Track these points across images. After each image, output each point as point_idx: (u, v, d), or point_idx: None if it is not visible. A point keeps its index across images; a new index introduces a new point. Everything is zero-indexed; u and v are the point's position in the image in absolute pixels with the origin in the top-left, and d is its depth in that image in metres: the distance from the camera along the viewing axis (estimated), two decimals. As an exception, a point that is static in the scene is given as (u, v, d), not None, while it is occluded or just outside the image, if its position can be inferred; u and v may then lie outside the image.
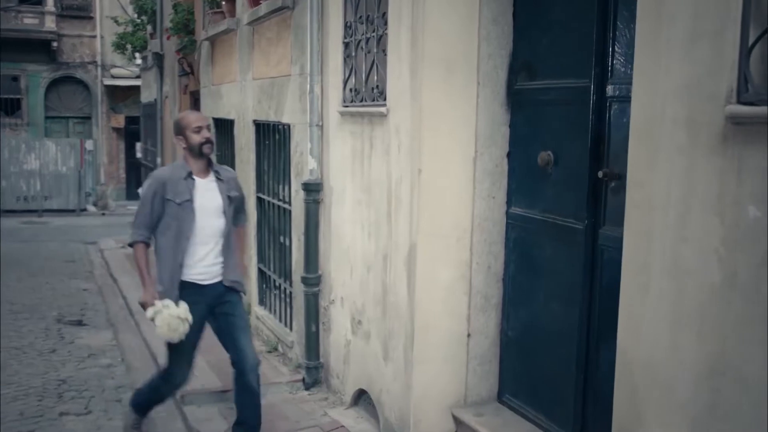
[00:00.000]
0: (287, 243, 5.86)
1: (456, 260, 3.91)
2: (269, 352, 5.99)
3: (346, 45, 4.67)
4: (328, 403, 4.91)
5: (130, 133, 20.45)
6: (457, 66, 3.78)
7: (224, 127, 7.40)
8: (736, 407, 2.16)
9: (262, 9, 5.85)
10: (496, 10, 3.81)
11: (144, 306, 3.83)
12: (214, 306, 3.95)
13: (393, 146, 4.08)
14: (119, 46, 10.98)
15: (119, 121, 21.03)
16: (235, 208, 4.01)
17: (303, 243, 5.15)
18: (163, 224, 3.83)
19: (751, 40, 2.09)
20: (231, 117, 7.06)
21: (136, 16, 11.31)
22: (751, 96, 2.09)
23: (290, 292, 5.82)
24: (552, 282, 3.64)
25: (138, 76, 13.98)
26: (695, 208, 2.26)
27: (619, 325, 2.60)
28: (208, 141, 3.90)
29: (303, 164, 5.30)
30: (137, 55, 11.57)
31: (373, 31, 4.31)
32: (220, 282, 3.95)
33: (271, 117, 5.94)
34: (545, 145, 3.63)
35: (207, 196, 3.88)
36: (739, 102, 2.11)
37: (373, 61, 4.33)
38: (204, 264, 3.89)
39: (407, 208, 3.95)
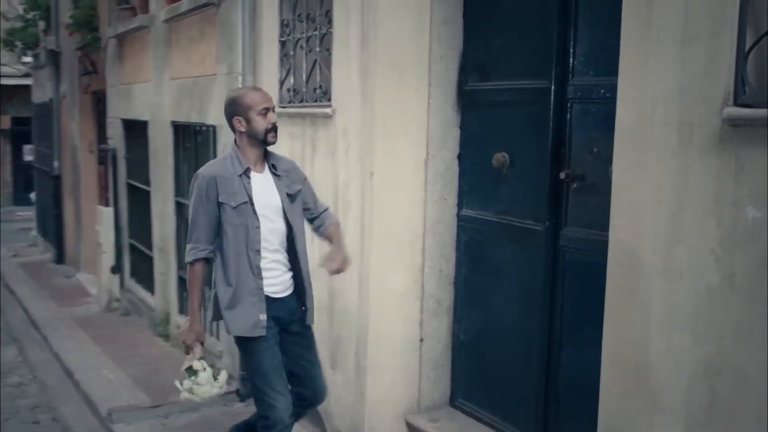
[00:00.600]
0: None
1: (409, 264, 3.84)
2: (194, 363, 5.74)
3: (283, 44, 4.52)
4: (266, 415, 4.74)
5: (17, 135, 19.19)
6: (410, 67, 3.72)
7: (137, 129, 7.05)
8: (736, 406, 2.18)
9: (184, 5, 5.60)
10: (448, 11, 3.76)
11: (186, 347, 3.14)
12: (287, 323, 3.25)
13: (340, 148, 3.97)
14: (8, 43, 10.29)
15: (5, 122, 19.75)
16: (304, 203, 3.32)
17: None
18: (222, 235, 3.12)
19: (747, 44, 2.12)
20: (144, 118, 6.73)
21: (23, 10, 10.65)
22: (749, 98, 2.12)
23: (217, 300, 5.59)
24: (509, 284, 3.62)
25: (26, 75, 13.17)
26: (689, 209, 2.28)
27: (605, 327, 2.59)
28: (275, 127, 3.15)
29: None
30: (28, 52, 10.90)
31: (315, 30, 4.19)
32: (293, 294, 3.26)
33: (194, 118, 5.69)
34: (500, 146, 3.61)
35: (265, 195, 3.15)
36: (736, 104, 2.14)
37: (316, 61, 4.20)
38: (272, 275, 3.17)
39: (357, 211, 3.85)
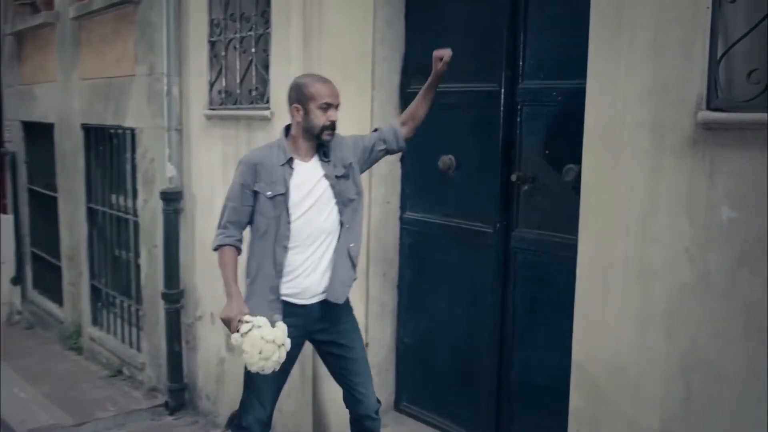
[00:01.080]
0: (132, 257, 5.39)
1: (355, 268, 3.79)
2: (112, 376, 5.49)
3: (213, 44, 4.37)
4: (199, 427, 4.58)
5: None
6: (353, 69, 3.67)
7: (40, 132, 6.65)
8: (712, 400, 2.26)
9: (96, 2, 5.33)
10: (390, 13, 3.74)
11: (228, 323, 2.85)
12: (315, 332, 3.03)
13: (280, 152, 3.87)
14: None
15: None
16: (371, 151, 3.10)
17: (162, 256, 4.75)
18: (253, 226, 2.96)
19: (719, 51, 2.20)
20: (49, 120, 6.36)
21: None
22: (721, 103, 2.20)
23: (137, 310, 5.37)
24: (456, 285, 3.63)
25: None
26: (662, 210, 2.34)
27: (576, 327, 2.63)
28: (332, 126, 2.92)
29: (154, 171, 4.91)
30: None
31: (251, 30, 4.07)
32: (325, 301, 3.00)
33: (108, 120, 5.43)
34: (446, 149, 3.62)
35: (307, 186, 2.93)
36: (709, 108, 2.21)
37: (251, 62, 4.08)
38: (299, 275, 2.94)
39: (301, 216, 3.76)
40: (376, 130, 3.19)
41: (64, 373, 5.56)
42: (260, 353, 2.74)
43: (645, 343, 2.42)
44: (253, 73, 4.08)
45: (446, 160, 3.61)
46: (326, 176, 2.97)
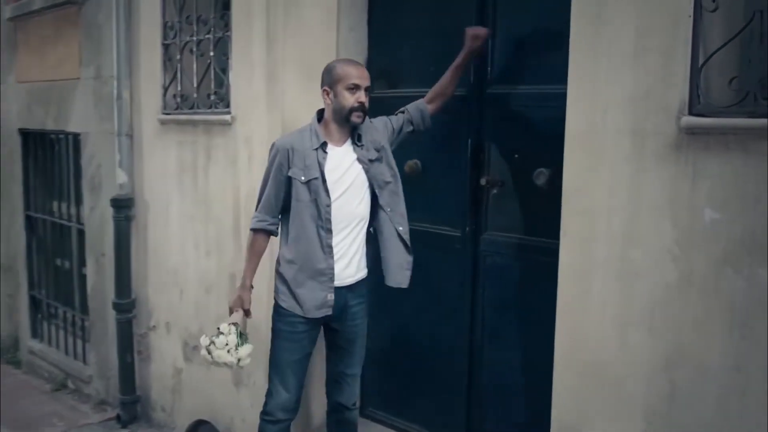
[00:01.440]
0: (76, 266, 5.22)
1: (320, 274, 3.76)
2: (56, 390, 5.29)
3: (167, 47, 4.28)
4: (155, 439, 4.47)
5: None
6: (318, 74, 3.62)
7: (-30, 137, 6.36)
8: (696, 396, 2.34)
9: (36, 3, 5.14)
10: (353, 19, 3.73)
11: (230, 311, 3.11)
12: (333, 319, 3.07)
13: (242, 157, 3.82)
14: None
15: None
16: (399, 131, 3.18)
17: (113, 265, 4.60)
18: (290, 211, 2.98)
19: (701, 58, 2.28)
20: (-19, 125, 6.09)
21: None
22: (703, 108, 2.28)
23: (82, 321, 5.19)
24: (423, 290, 3.63)
25: None
26: (644, 212, 2.41)
27: (558, 328, 2.68)
28: (361, 107, 2.94)
29: (101, 178, 4.77)
30: None
31: (209, 33, 4.00)
32: (348, 286, 3.06)
33: (49, 125, 5.25)
34: (411, 153, 3.63)
35: (340, 170, 2.97)
36: (691, 114, 2.29)
37: (209, 66, 4.01)
38: (343, 260, 3.01)
39: (265, 222, 3.71)
40: (403, 111, 3.22)
41: (2, 388, 5.32)
42: (207, 351, 2.99)
43: (628, 342, 2.48)
44: (212, 77, 4.01)
45: (412, 164, 3.62)
46: (359, 160, 3.01)
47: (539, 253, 3.13)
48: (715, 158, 2.25)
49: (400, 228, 3.10)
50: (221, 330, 2.97)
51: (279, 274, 3.07)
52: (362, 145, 3.03)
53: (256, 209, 3.08)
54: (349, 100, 2.94)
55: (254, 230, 3.07)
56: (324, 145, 2.97)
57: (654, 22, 2.35)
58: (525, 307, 3.25)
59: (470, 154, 3.38)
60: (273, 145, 3.04)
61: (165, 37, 4.27)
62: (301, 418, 3.48)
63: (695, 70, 2.29)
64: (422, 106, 3.21)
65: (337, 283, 3.01)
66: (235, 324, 3.00)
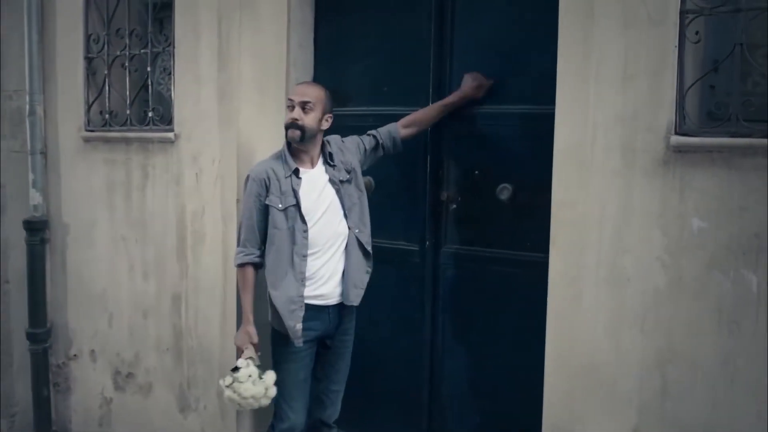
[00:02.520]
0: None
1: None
2: (-54, 432, 4.83)
3: (90, 61, 4.07)
4: (76, 476, 4.22)
5: None
6: (271, 90, 3.62)
7: None
8: (687, 389, 2.57)
9: None
10: (302, 35, 3.73)
11: (238, 350, 3.00)
12: (326, 336, 3.11)
13: (187, 175, 3.72)
14: None
15: None
16: (367, 153, 3.21)
17: (26, 292, 4.29)
18: (269, 238, 2.95)
19: (687, 82, 2.54)
20: None
21: None
22: (688, 128, 2.53)
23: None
24: (379, 304, 3.69)
25: None
26: (634, 223, 2.63)
27: (549, 334, 2.84)
28: (293, 123, 2.94)
29: (6, 199, 4.45)
30: None
31: (145, 48, 3.86)
32: (342, 303, 3.09)
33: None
34: (365, 171, 3.69)
35: (315, 193, 2.99)
36: (677, 133, 2.54)
37: (146, 81, 3.87)
38: (320, 280, 3.01)
39: (216, 243, 3.63)
40: (374, 134, 3.26)
41: None
42: (232, 389, 2.88)
43: (620, 343, 2.69)
44: (150, 94, 3.87)
45: (366, 182, 3.67)
46: (331, 181, 3.06)
47: (502, 264, 3.30)
48: (702, 173, 2.51)
49: (369, 248, 3.19)
50: (239, 365, 2.89)
51: (270, 300, 3.04)
52: (334, 165, 3.07)
53: (239, 243, 3.04)
54: (286, 117, 3.00)
55: (241, 265, 3.01)
56: (297, 171, 2.99)
57: (641, 51, 2.58)
58: (486, 317, 3.40)
59: (429, 171, 3.50)
60: (247, 177, 3.02)
61: (88, 50, 4.07)
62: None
63: (681, 95, 2.54)
64: (395, 132, 3.26)
65: (332, 301, 3.04)
66: (250, 358, 2.93)
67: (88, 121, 4.10)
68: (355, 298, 3.13)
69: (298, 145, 2.99)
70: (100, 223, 4.09)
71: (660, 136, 2.56)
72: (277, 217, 2.94)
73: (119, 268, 4.03)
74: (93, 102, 4.09)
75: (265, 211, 2.96)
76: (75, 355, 4.28)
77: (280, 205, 2.94)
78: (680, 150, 2.53)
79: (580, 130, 2.72)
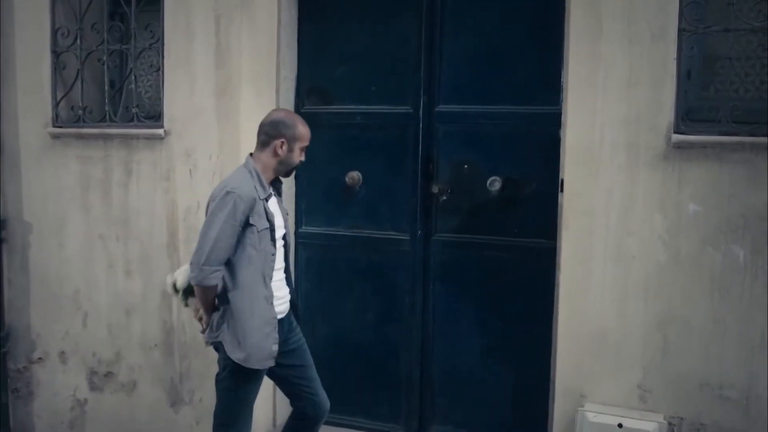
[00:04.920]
0: None
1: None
2: None
3: (58, 55, 3.97)
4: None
5: None
6: (264, 87, 3.76)
7: None
8: (685, 346, 3.07)
9: None
10: (289, 35, 3.88)
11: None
12: (282, 343, 3.02)
13: (179, 171, 3.77)
14: None
15: None
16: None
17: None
18: (243, 258, 2.87)
19: (684, 89, 3.03)
20: None
21: None
22: (685, 128, 3.02)
23: None
24: (367, 291, 3.94)
25: None
26: (638, 209, 3.09)
27: (561, 308, 3.24)
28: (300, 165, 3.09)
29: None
30: None
31: (126, 44, 3.84)
32: (288, 314, 3.13)
33: None
34: (352, 165, 3.92)
35: (278, 218, 3.02)
36: (676, 132, 3.02)
37: (129, 76, 3.86)
38: (280, 297, 3.03)
39: (213, 236, 3.71)
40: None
41: None
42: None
43: (625, 312, 3.14)
44: (134, 89, 3.86)
45: (354, 176, 3.91)
46: (281, 210, 3.10)
47: (491, 250, 3.68)
48: (697, 166, 3.01)
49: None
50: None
51: (227, 322, 2.94)
52: (280, 197, 3.14)
53: (203, 262, 2.83)
54: (298, 158, 3.04)
55: (210, 285, 2.88)
56: (269, 196, 3.01)
57: (644, 62, 3.04)
58: (473, 298, 3.76)
59: (421, 165, 3.80)
60: (230, 193, 2.86)
61: (55, 44, 3.97)
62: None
63: (680, 100, 3.03)
64: None
65: (282, 316, 3.06)
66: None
67: (56, 117, 4.00)
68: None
69: (282, 177, 3.09)
70: (71, 221, 4.00)
71: (661, 135, 3.04)
72: (255, 239, 2.90)
73: (96, 266, 3.97)
74: (62, 98, 3.99)
75: (240, 231, 2.88)
76: (40, 359, 4.15)
77: (259, 227, 2.91)
78: (679, 146, 3.02)
79: (589, 130, 3.14)
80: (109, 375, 4.00)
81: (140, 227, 3.87)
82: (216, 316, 2.95)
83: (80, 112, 3.97)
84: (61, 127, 3.99)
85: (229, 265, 2.88)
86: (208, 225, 2.85)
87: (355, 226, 3.95)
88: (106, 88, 3.91)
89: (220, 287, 2.91)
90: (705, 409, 3.06)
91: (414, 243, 3.84)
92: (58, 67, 3.98)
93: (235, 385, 2.98)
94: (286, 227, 3.10)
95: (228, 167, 3.65)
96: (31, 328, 4.15)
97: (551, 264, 3.36)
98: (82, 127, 3.95)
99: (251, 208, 2.87)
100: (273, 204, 3.02)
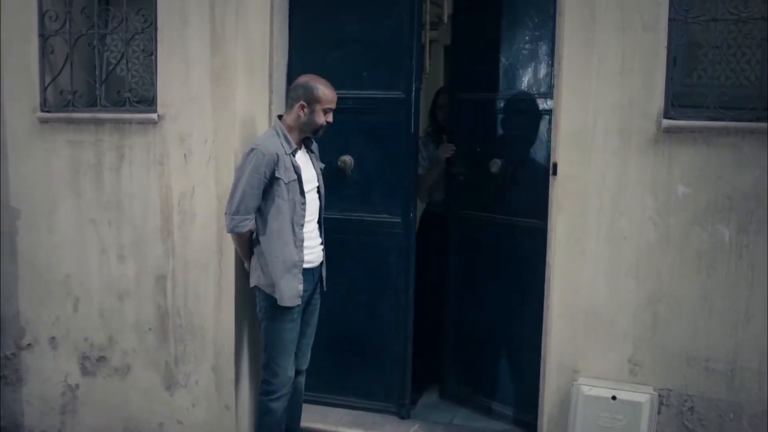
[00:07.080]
0: None
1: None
2: None
3: (46, 39, 3.94)
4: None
5: None
6: (258, 73, 3.80)
7: None
8: (673, 322, 3.22)
9: None
10: (281, 21, 3.92)
11: None
12: (311, 294, 3.50)
13: (174, 156, 3.78)
14: None
15: None
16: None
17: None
18: (272, 208, 3.27)
19: (674, 76, 3.16)
20: None
21: None
22: (675, 114, 3.16)
23: None
24: (359, 271, 4.04)
25: None
26: (630, 191, 3.22)
27: (555, 285, 3.35)
28: (327, 126, 3.38)
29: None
30: None
31: (116, 27, 3.83)
32: (322, 263, 3.54)
33: None
34: (343, 149, 3.99)
35: (307, 172, 3.38)
36: (666, 117, 3.16)
37: (121, 60, 3.85)
38: (311, 246, 3.41)
39: (211, 220, 3.72)
40: None
41: None
42: None
43: (617, 289, 3.28)
44: (126, 74, 3.85)
45: (346, 159, 3.99)
46: (313, 164, 3.49)
47: (490, 225, 3.87)
48: (686, 150, 3.16)
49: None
50: None
51: (261, 266, 3.35)
52: (313, 154, 3.52)
53: (234, 211, 3.26)
54: (322, 119, 3.36)
55: (243, 232, 3.32)
56: (295, 151, 3.35)
57: (636, 51, 3.17)
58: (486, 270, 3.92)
59: (413, 149, 3.89)
60: (254, 149, 3.26)
61: (43, 28, 3.93)
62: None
63: (669, 87, 3.16)
64: None
65: (316, 264, 3.47)
66: None
67: (44, 102, 3.97)
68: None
69: (311, 136, 3.44)
70: (62, 206, 3.98)
71: (652, 120, 3.17)
72: (282, 190, 3.27)
73: (87, 252, 3.96)
74: (50, 82, 3.96)
75: (266, 183, 3.25)
76: (29, 345, 4.13)
77: (286, 179, 3.27)
78: (669, 131, 3.16)
79: (582, 116, 3.26)
80: (101, 360, 4.00)
81: (133, 212, 3.87)
82: (253, 260, 3.38)
83: (69, 96, 3.94)
84: (50, 111, 3.96)
85: (261, 213, 3.29)
86: (237, 178, 3.29)
87: (346, 209, 4.02)
88: (96, 72, 3.89)
89: (254, 235, 3.33)
90: (692, 381, 3.22)
91: (406, 225, 3.93)
92: (45, 51, 3.95)
93: (272, 325, 3.38)
94: (319, 181, 3.46)
95: (224, 152, 3.69)
96: (20, 314, 4.12)
97: (544, 243, 3.47)
98: (73, 111, 3.93)
99: (275, 162, 3.23)
100: (302, 158, 3.39)
